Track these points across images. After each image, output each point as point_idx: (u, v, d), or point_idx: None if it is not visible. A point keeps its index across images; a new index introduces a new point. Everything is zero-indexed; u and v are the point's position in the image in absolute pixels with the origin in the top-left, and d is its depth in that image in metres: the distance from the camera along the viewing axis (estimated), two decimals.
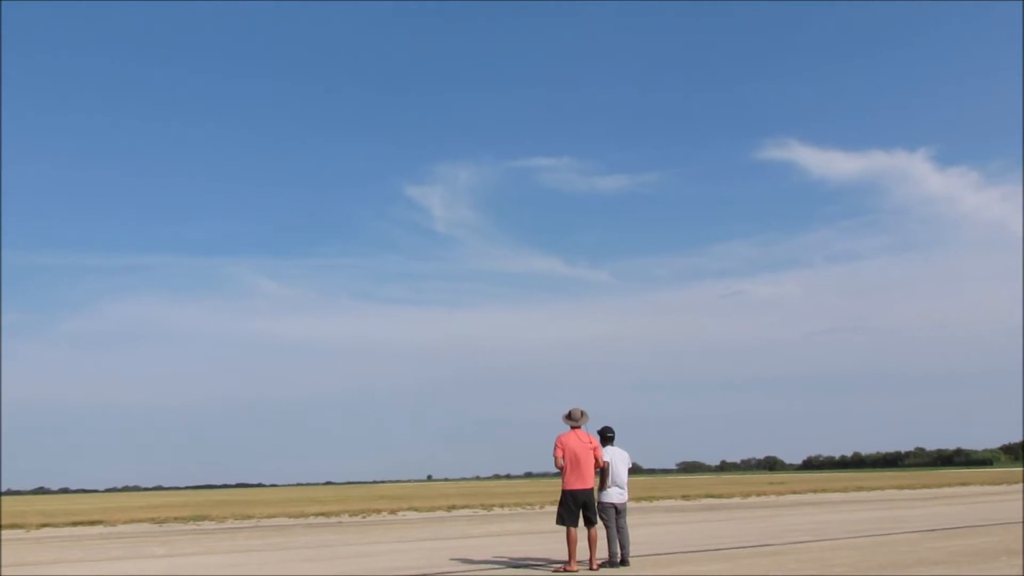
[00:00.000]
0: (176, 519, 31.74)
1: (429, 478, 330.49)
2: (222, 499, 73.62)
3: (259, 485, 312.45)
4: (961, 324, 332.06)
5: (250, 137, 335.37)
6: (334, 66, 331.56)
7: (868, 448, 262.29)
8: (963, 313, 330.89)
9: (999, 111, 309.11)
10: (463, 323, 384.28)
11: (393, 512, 33.35)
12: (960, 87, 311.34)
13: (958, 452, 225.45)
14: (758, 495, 41.11)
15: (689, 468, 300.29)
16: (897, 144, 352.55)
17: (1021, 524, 18.68)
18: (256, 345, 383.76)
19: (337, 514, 32.85)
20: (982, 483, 52.62)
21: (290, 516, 32.41)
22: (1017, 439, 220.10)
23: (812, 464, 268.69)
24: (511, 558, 14.61)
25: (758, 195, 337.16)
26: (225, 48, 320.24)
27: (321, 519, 30.37)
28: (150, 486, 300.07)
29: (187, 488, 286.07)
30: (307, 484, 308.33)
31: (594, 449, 12.61)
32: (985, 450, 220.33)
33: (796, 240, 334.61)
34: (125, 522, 30.43)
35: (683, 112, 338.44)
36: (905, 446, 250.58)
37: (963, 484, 51.37)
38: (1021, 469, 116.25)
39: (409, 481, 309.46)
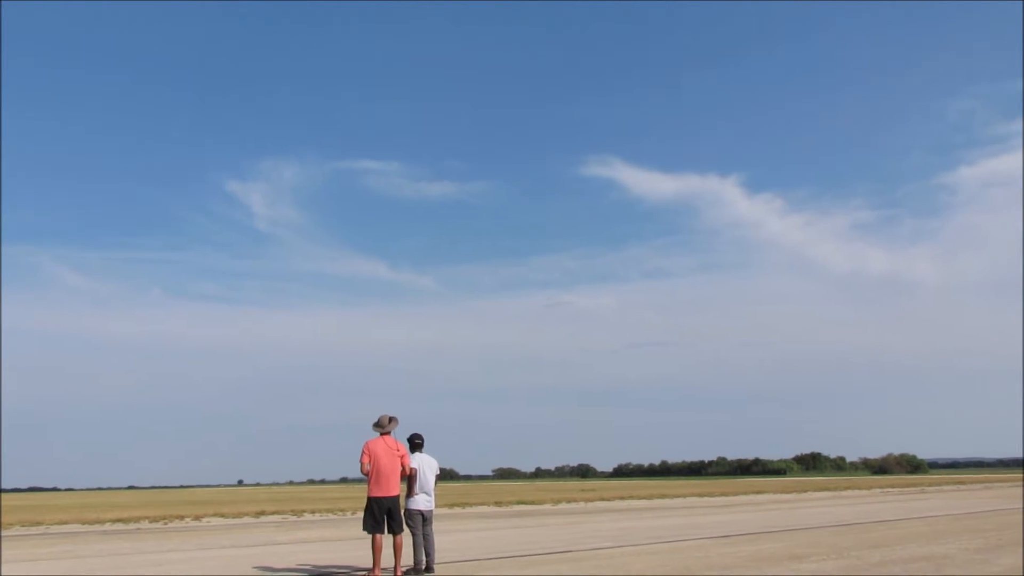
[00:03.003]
0: None
1: (240, 483, 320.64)
2: (11, 504, 68.72)
3: (54, 489, 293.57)
4: (761, 343, 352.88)
5: (59, 122, 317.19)
6: (153, 52, 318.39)
7: (674, 457, 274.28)
8: (764, 333, 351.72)
9: (804, 142, 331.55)
10: (281, 324, 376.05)
11: (197, 518, 32.10)
12: (770, 117, 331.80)
13: (756, 462, 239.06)
14: (568, 502, 42.09)
15: (505, 475, 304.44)
16: (711, 168, 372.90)
17: (805, 530, 19.96)
18: (56, 340, 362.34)
19: (136, 520, 31.31)
20: (775, 491, 55.86)
21: (84, 523, 30.67)
22: (807, 451, 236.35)
23: (622, 472, 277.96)
24: (315, 566, 14.34)
25: (581, 209, 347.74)
26: (40, 33, 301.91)
27: (119, 526, 28.87)
28: None
29: None
30: (108, 488, 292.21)
31: (401, 456, 12.56)
32: (780, 460, 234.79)
33: (615, 255, 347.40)
34: None
35: (512, 124, 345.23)
36: (708, 456, 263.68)
37: (758, 492, 54.36)
38: (811, 478, 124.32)
39: (218, 486, 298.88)
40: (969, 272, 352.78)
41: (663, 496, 48.73)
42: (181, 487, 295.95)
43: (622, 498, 46.13)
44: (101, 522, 30.67)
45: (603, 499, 45.29)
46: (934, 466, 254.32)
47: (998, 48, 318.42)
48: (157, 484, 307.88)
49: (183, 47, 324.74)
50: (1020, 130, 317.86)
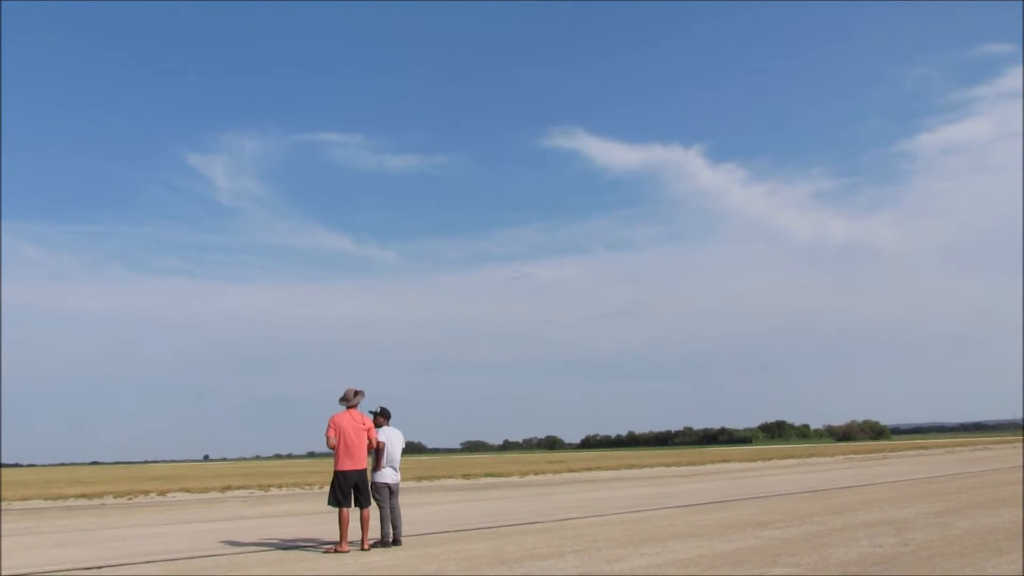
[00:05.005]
0: None
1: (206, 458, 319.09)
2: None
3: (16, 465, 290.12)
4: (725, 313, 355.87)
5: (16, 94, 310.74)
6: (112, 24, 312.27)
7: (641, 428, 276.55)
8: (727, 302, 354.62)
9: (766, 111, 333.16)
10: (245, 298, 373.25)
11: (163, 493, 31.89)
12: (731, 86, 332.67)
13: (722, 431, 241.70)
14: (536, 474, 42.28)
15: (473, 448, 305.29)
16: (674, 139, 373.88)
17: (769, 497, 20.18)
18: (15, 315, 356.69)
19: (100, 496, 31.05)
20: (741, 460, 56.48)
21: (47, 498, 30.33)
22: (772, 419, 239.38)
23: (590, 443, 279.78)
24: (282, 540, 14.27)
25: (544, 181, 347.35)
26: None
27: (82, 501, 28.62)
28: None
29: None
30: (70, 464, 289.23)
31: (368, 430, 12.50)
32: (746, 429, 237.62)
33: (578, 227, 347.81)
34: None
35: (474, 95, 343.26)
36: (675, 426, 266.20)
37: (724, 461, 54.93)
38: (776, 446, 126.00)
39: (184, 461, 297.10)
40: (929, 239, 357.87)
41: (630, 466, 49.11)
42: (145, 462, 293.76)
43: (589, 469, 46.43)
44: (64, 498, 30.37)
45: (571, 470, 45.54)
46: (897, 432, 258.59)
47: (952, 16, 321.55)
48: (121, 459, 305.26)
49: (142, 19, 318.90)
50: (976, 97, 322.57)
